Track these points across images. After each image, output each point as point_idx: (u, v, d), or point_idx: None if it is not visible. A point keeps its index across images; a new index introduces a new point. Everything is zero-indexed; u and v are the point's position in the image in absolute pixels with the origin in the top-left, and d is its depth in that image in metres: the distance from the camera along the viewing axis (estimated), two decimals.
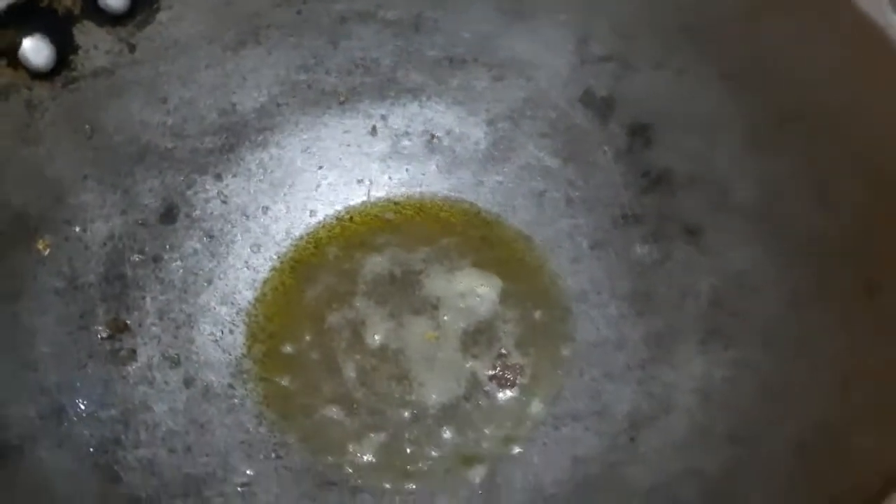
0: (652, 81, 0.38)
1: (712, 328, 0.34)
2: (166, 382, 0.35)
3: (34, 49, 0.35)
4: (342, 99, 0.42)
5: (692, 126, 0.36)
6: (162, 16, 0.38)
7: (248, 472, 0.33)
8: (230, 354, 0.37)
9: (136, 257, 0.37)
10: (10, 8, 0.34)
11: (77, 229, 0.36)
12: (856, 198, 0.29)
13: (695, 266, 0.35)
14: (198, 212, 0.40)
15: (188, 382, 0.36)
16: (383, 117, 0.42)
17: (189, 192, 0.40)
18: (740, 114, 0.34)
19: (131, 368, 0.35)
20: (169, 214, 0.39)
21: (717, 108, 0.35)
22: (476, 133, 0.42)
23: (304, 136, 0.42)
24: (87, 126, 0.37)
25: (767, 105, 0.33)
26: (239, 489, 0.33)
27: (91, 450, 0.32)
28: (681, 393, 0.33)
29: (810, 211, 0.31)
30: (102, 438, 0.33)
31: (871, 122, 0.29)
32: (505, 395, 0.35)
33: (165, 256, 0.38)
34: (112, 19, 0.37)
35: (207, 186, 0.40)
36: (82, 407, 0.33)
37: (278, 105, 0.41)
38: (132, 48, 0.38)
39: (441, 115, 0.41)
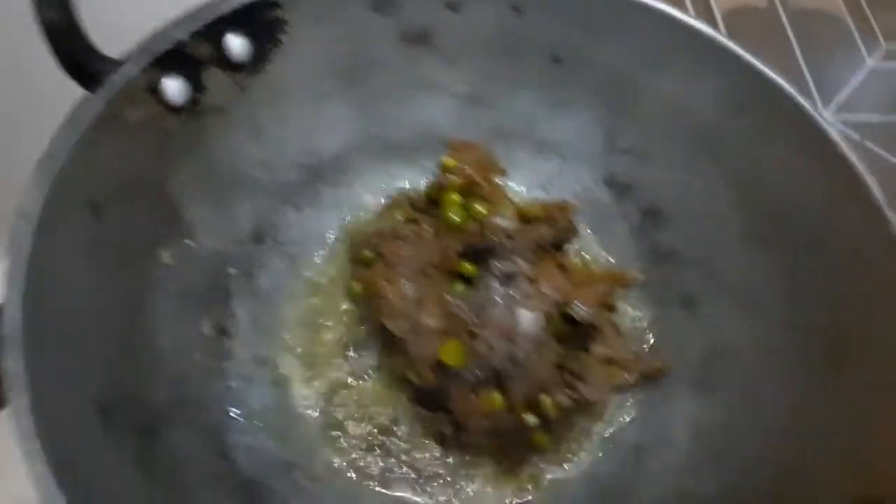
0: (666, 175, 0.47)
1: (700, 381, 0.43)
2: (259, 380, 0.42)
3: (173, 87, 0.41)
4: (405, 154, 0.50)
5: (697, 216, 0.46)
6: (270, 67, 0.45)
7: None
8: None
9: (233, 270, 0.44)
10: (162, 52, 0.40)
11: (191, 243, 0.42)
12: (824, 297, 0.39)
13: (689, 330, 0.45)
14: (282, 236, 0.46)
15: (277, 382, 0.42)
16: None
17: (275, 218, 0.46)
18: (738, 213, 0.44)
19: (229, 365, 0.42)
20: (259, 236, 0.46)
21: (720, 205, 0.44)
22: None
23: (371, 180, 0.49)
24: (202, 154, 0.43)
25: (760, 210, 0.43)
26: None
27: (208, 432, 0.38)
28: (675, 429, 0.42)
29: (784, 300, 0.41)
30: (213, 424, 0.39)
31: (839, 236, 0.39)
32: None
33: (255, 272, 0.45)
34: (233, 66, 0.43)
35: (289, 215, 0.47)
36: (197, 395, 0.39)
37: (354, 151, 0.49)
38: (243, 90, 0.44)
39: None
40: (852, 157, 0.39)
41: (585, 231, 0.49)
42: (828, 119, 0.64)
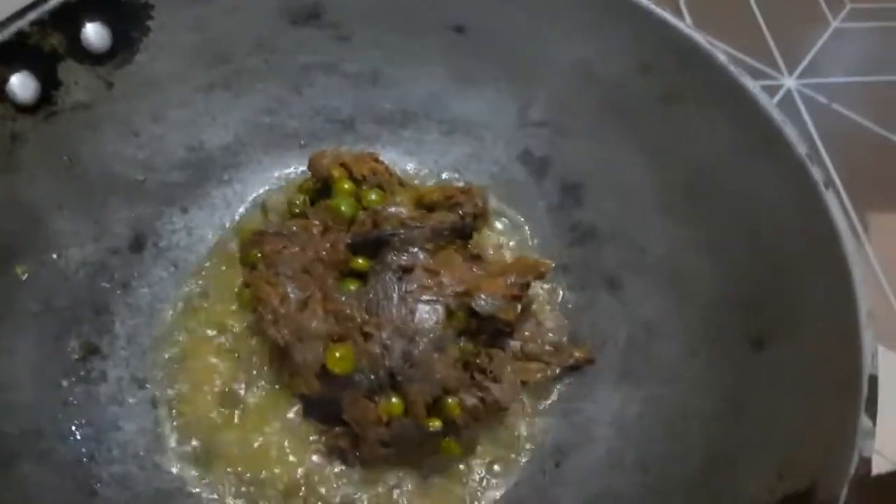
0: (582, 146, 0.43)
1: (626, 369, 0.39)
2: (135, 403, 0.38)
3: (20, 84, 0.37)
4: (303, 142, 0.46)
5: (615, 189, 0.42)
6: (139, 57, 0.41)
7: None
8: None
9: (105, 284, 0.40)
10: (4, 46, 0.36)
11: (53, 256, 0.38)
12: (743, 266, 0.35)
13: (614, 314, 0.41)
14: (164, 242, 0.42)
15: (154, 403, 0.38)
16: None
17: (157, 223, 0.42)
18: (655, 182, 0.40)
19: (102, 389, 0.38)
20: (138, 244, 0.42)
21: (636, 175, 0.40)
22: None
23: (266, 175, 0.45)
24: (65, 157, 0.39)
25: (676, 176, 0.39)
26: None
27: (70, 465, 0.34)
28: (599, 425, 0.38)
29: (705, 272, 0.37)
30: (78, 455, 0.35)
31: (760, 199, 0.35)
32: None
33: (133, 283, 0.41)
34: (93, 58, 0.39)
35: (174, 219, 0.43)
36: (60, 424, 0.35)
37: (243, 144, 0.45)
38: (110, 85, 0.40)
39: (393, 164, 0.45)
40: (772, 108, 0.35)
41: (501, 215, 0.45)
42: (793, 86, 0.61)
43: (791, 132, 0.34)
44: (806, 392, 0.30)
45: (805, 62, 0.65)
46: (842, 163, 0.57)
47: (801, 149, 0.34)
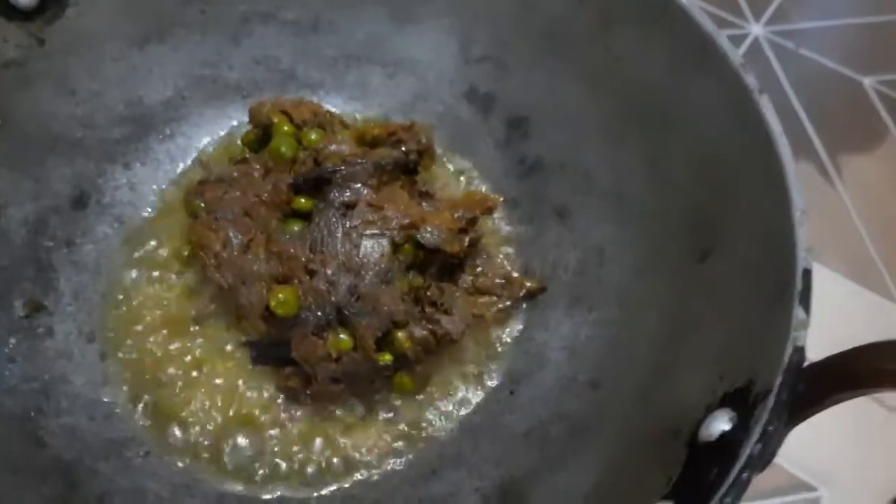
0: (524, 79, 0.43)
1: (577, 294, 0.39)
2: (83, 357, 0.38)
3: None
4: (245, 93, 0.45)
5: (559, 119, 0.41)
6: (70, 11, 0.40)
7: None
8: None
9: (48, 242, 0.39)
10: None
11: None
12: (686, 182, 0.35)
13: (563, 242, 0.41)
14: (107, 198, 0.42)
15: (104, 356, 0.38)
16: None
17: (100, 180, 0.42)
18: (595, 108, 0.40)
19: (49, 344, 0.37)
20: (80, 201, 0.41)
21: (578, 103, 0.40)
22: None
23: (209, 128, 0.45)
24: (1, 116, 0.39)
25: (615, 100, 0.39)
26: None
27: (16, 419, 0.34)
28: (551, 350, 0.38)
29: (650, 193, 0.37)
30: (26, 408, 0.35)
31: (698, 112, 0.35)
32: None
33: (78, 241, 0.40)
34: (21, 14, 0.39)
35: (117, 175, 0.42)
36: (5, 380, 0.35)
37: (184, 98, 0.44)
38: (41, 42, 0.40)
39: (338, 110, 0.44)
40: (704, 19, 0.34)
41: (449, 154, 0.44)
42: (760, 33, 0.61)
43: (724, 42, 0.34)
44: (744, 296, 0.30)
45: (771, 9, 0.65)
46: (813, 108, 0.57)
47: (736, 58, 0.33)
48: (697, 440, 0.28)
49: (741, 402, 0.27)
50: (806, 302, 0.27)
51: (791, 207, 0.29)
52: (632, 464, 0.31)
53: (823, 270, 0.48)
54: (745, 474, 0.25)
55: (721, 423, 0.28)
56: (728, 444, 0.27)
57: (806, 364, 0.26)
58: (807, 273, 0.28)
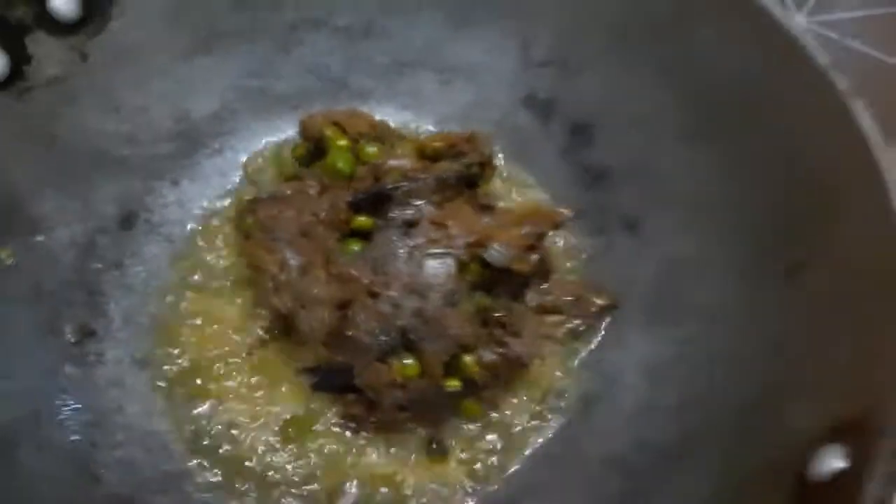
0: (589, 82, 0.40)
1: (654, 311, 0.37)
2: (135, 384, 0.36)
3: None
4: (294, 104, 0.43)
5: (628, 122, 0.39)
6: (113, 24, 0.39)
7: None
8: None
9: (97, 264, 0.38)
10: None
11: (39, 238, 0.36)
12: (773, 188, 0.33)
13: (635, 255, 0.38)
14: (156, 217, 0.40)
15: (155, 384, 0.36)
16: None
17: (147, 199, 0.40)
18: (671, 109, 0.37)
19: (100, 372, 0.36)
20: (128, 220, 0.40)
21: (650, 104, 0.38)
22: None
23: (257, 139, 0.43)
24: (43, 135, 0.37)
25: (694, 99, 0.36)
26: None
27: (70, 454, 0.32)
28: (628, 371, 0.36)
29: (733, 199, 0.35)
30: (79, 441, 0.33)
31: (786, 114, 0.32)
32: None
33: (126, 262, 0.39)
34: (64, 28, 0.37)
35: (165, 192, 0.41)
36: (59, 412, 0.33)
37: (232, 111, 0.42)
38: (84, 57, 0.38)
39: (391, 119, 0.42)
40: (787, 19, 0.32)
41: (509, 163, 0.42)
42: (801, 23, 0.58)
43: (810, 42, 0.31)
44: (850, 311, 0.28)
45: None
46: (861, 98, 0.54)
47: (823, 59, 0.31)
48: (806, 479, 0.26)
49: (857, 435, 0.25)
50: None
51: (894, 213, 0.27)
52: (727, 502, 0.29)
53: None
54: None
55: (833, 460, 0.25)
56: (843, 485, 0.24)
57: None
58: None
